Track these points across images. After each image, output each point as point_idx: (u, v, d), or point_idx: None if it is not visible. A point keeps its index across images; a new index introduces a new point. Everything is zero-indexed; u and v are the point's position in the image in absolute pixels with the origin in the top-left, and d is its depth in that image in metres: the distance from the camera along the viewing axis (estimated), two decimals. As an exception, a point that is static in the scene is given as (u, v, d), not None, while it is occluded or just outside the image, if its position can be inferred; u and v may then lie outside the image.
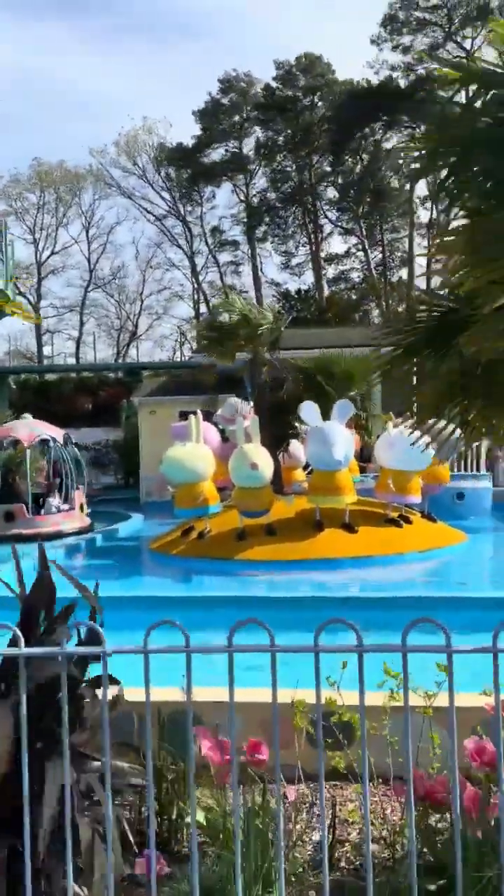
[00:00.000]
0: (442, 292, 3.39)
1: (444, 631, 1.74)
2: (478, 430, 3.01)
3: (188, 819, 2.93)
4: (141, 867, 2.29)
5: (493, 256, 2.53)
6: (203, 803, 3.14)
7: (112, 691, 3.16)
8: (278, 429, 11.82)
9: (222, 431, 12.10)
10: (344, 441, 9.83)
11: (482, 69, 2.84)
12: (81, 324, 46.38)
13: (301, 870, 2.83)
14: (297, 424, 12.26)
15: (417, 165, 2.80)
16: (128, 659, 1.93)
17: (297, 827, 3.09)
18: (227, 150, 43.31)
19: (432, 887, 2.53)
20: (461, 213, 2.86)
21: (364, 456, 14.15)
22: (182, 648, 1.78)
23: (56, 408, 23.09)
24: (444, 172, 2.69)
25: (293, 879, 2.81)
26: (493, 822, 2.45)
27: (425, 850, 2.75)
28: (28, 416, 15.06)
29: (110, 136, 64.16)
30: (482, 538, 12.69)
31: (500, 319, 2.51)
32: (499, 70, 2.75)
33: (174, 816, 3.12)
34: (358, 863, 2.95)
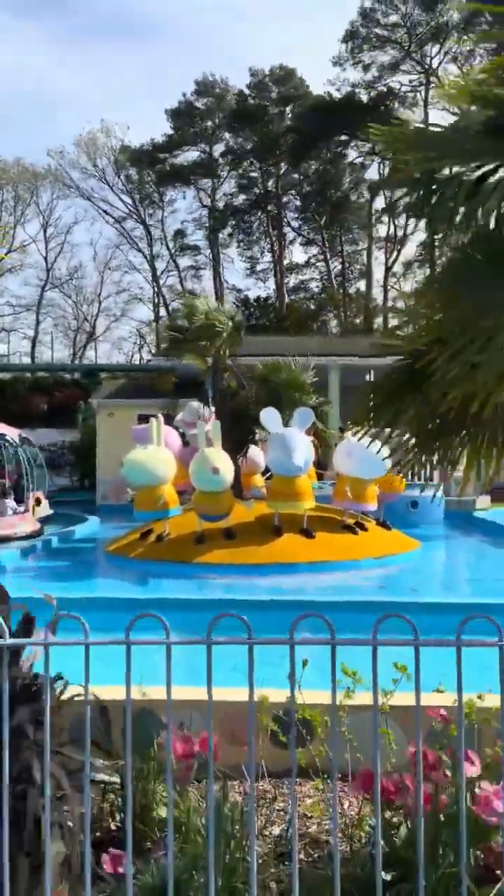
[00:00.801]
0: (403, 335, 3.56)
1: (411, 626, 1.85)
2: (453, 464, 3.19)
3: (153, 814, 2.98)
4: (106, 863, 2.33)
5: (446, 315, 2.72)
6: (165, 798, 3.20)
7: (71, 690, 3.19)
8: (238, 434, 11.90)
9: (183, 435, 12.14)
10: (304, 448, 9.97)
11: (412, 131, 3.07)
12: (38, 323, 45.82)
13: (261, 861, 2.90)
14: (256, 430, 12.37)
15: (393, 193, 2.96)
16: (100, 655, 1.98)
17: (258, 822, 3.16)
18: (201, 153, 43.43)
19: (388, 878, 2.64)
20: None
21: (321, 464, 14.35)
22: (163, 641, 1.84)
23: (10, 407, 22.78)
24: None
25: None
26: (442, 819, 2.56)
27: (382, 842, 2.85)
28: None
29: (67, 136, 63.83)
30: (434, 546, 13.00)
31: (453, 367, 2.66)
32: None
33: (137, 811, 3.16)
34: (316, 855, 3.04)
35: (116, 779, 3.14)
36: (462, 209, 2.83)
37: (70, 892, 2.18)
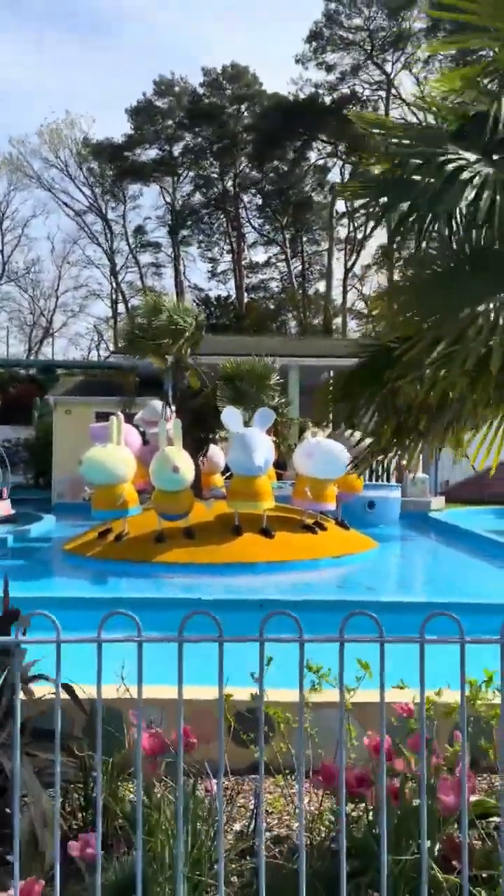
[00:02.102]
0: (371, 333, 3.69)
1: (376, 622, 1.91)
2: (411, 452, 3.29)
3: (116, 809, 2.99)
4: (74, 849, 2.36)
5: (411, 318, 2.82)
6: (129, 796, 3.21)
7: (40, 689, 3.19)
8: (199, 433, 11.91)
9: (143, 434, 12.09)
10: (264, 447, 10.03)
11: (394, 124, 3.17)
12: (-8, 317, 44.99)
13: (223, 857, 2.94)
14: (217, 430, 12.40)
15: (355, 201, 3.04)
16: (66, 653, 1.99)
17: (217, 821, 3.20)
18: (160, 150, 43.19)
19: (348, 869, 2.70)
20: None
21: (280, 463, 14.46)
22: (134, 638, 1.87)
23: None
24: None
25: (215, 865, 2.93)
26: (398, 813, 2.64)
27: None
28: None
29: (22, 126, 62.78)
30: (391, 546, 13.22)
31: (416, 367, 2.76)
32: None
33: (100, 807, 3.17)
34: (277, 850, 3.09)
35: (79, 776, 3.15)
36: (431, 207, 2.92)
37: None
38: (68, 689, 2.97)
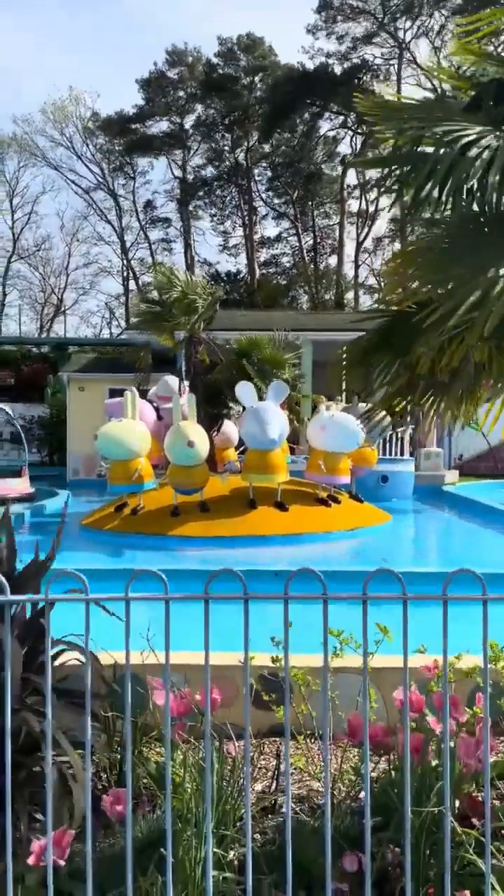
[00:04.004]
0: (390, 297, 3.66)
1: (399, 580, 1.93)
2: (426, 417, 3.29)
3: (139, 771, 3.06)
4: (108, 805, 2.42)
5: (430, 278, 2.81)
6: (153, 757, 3.28)
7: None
8: (212, 408, 11.93)
9: (157, 409, 12.12)
10: (278, 421, 10.04)
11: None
12: (3, 295, 44.97)
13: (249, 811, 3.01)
14: (230, 404, 12.41)
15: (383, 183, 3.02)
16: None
17: (241, 781, 3.27)
18: (171, 123, 42.71)
19: (370, 824, 2.76)
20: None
21: (293, 437, 14.48)
22: (162, 596, 1.90)
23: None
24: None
25: (238, 824, 3.00)
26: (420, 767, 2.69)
27: (362, 793, 2.98)
28: None
29: (30, 105, 62.19)
30: (404, 519, 13.24)
31: (434, 332, 2.75)
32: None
33: (131, 764, 3.24)
34: (298, 808, 3.15)
35: (103, 739, 3.22)
36: (446, 179, 2.90)
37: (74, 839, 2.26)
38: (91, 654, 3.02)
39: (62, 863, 2.15)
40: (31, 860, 2.10)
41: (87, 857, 1.93)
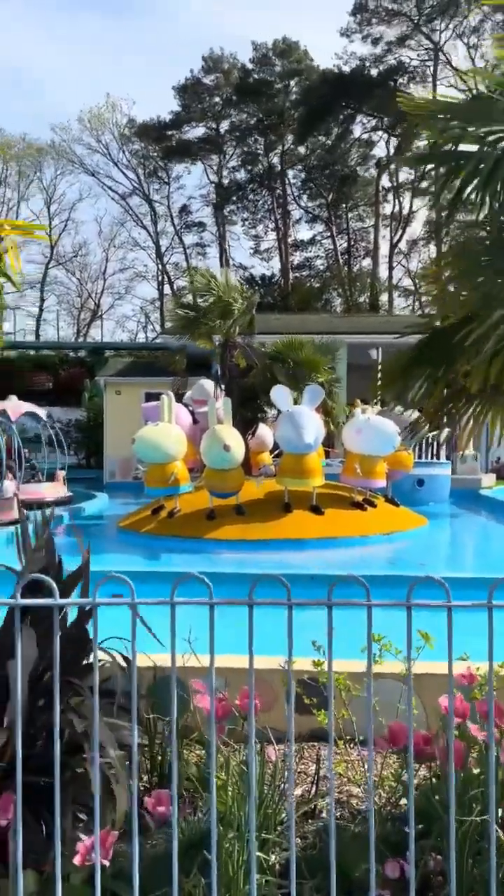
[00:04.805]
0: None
1: (445, 588, 1.92)
2: (465, 429, 3.27)
3: (183, 771, 3.08)
4: (150, 806, 2.45)
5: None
6: (193, 759, 3.31)
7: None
8: (248, 412, 11.96)
9: (192, 413, 12.20)
10: (314, 425, 10.02)
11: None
12: (42, 301, 45.70)
13: (285, 816, 3.02)
14: (265, 408, 12.44)
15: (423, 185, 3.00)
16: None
17: (281, 783, 3.28)
18: (206, 128, 43.04)
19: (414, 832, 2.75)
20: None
21: (328, 441, 14.44)
22: (206, 601, 1.93)
23: (15, 385, 22.83)
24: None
25: (279, 828, 3.00)
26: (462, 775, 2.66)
27: (404, 800, 2.97)
28: (13, 398, 15.25)
29: (66, 113, 63.08)
30: (441, 523, 13.11)
31: (475, 348, 2.72)
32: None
33: (166, 771, 3.27)
34: (338, 814, 3.15)
35: (144, 740, 3.25)
36: (489, 178, 2.88)
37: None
38: (127, 658, 3.06)
39: (107, 863, 2.18)
40: (76, 860, 2.14)
41: (133, 857, 1.96)
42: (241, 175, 44.50)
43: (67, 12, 58.42)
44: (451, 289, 3.12)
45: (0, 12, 53.66)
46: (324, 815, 3.18)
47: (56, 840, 1.97)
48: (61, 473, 15.57)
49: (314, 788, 3.21)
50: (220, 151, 43.61)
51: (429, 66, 39.62)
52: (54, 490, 14.80)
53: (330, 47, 60.75)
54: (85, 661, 2.88)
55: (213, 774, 2.02)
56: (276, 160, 43.47)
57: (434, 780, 2.86)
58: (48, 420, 16.47)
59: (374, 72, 39.83)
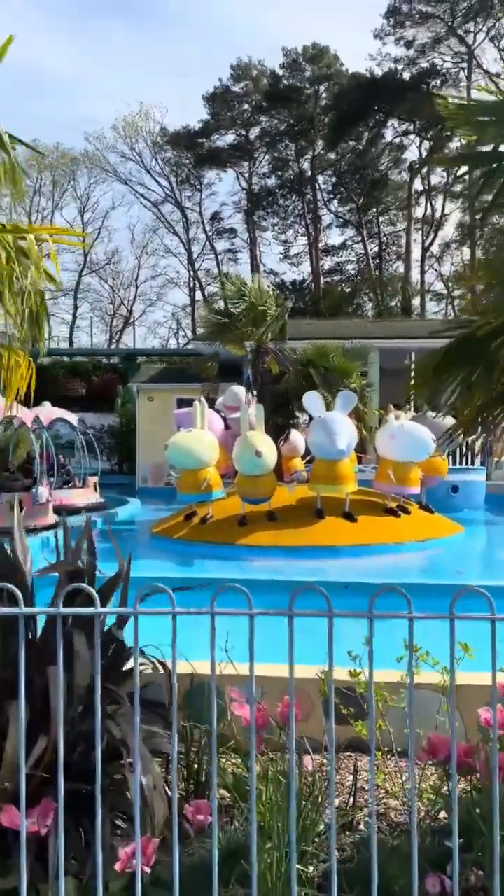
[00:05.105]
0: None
1: (488, 600, 1.90)
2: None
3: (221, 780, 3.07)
4: (189, 815, 2.45)
5: None
6: (230, 767, 3.30)
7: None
8: (279, 418, 11.96)
9: (223, 419, 12.24)
10: (347, 431, 9.98)
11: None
12: (75, 308, 46.29)
13: (326, 830, 2.99)
14: (297, 414, 12.42)
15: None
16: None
17: (319, 794, 3.25)
18: (236, 135, 43.28)
19: (451, 845, 2.70)
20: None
21: (360, 446, 14.36)
22: (246, 612, 1.92)
23: (49, 391, 23.12)
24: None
25: (316, 840, 2.98)
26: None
27: (443, 813, 2.93)
28: (47, 404, 15.46)
29: (95, 121, 63.91)
30: (476, 530, 12.94)
31: None
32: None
33: (202, 779, 3.27)
34: (376, 826, 3.11)
35: (181, 748, 3.25)
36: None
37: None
38: (165, 665, 3.07)
39: (147, 870, 2.19)
40: (118, 866, 2.15)
41: (173, 865, 1.96)
42: (272, 181, 44.63)
43: (98, 22, 59.25)
44: (491, 294, 3.09)
45: (37, 23, 54.69)
46: (361, 827, 3.15)
47: (97, 847, 1.98)
48: (93, 479, 15.71)
49: (351, 799, 3.18)
50: (250, 158, 43.77)
51: (463, 69, 39.33)
52: (87, 496, 14.93)
53: (360, 50, 60.62)
54: (124, 668, 2.90)
55: (254, 786, 2.01)
56: (306, 165, 43.50)
57: (475, 793, 2.81)
58: (80, 426, 16.66)
59: (406, 75, 39.66)
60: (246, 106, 42.95)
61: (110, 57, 60.36)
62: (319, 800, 3.20)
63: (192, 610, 1.99)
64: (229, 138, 43.69)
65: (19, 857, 1.96)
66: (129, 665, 2.98)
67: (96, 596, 1.95)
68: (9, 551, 2.87)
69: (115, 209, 50.49)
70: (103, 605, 2.61)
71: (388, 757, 3.43)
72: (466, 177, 3.40)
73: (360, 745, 3.51)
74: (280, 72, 42.23)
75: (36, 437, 14.51)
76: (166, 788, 2.82)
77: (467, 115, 3.25)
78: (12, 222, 4.17)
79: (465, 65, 39.04)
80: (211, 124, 43.05)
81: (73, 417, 16.28)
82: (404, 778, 3.36)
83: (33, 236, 3.84)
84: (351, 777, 3.33)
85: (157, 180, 45.12)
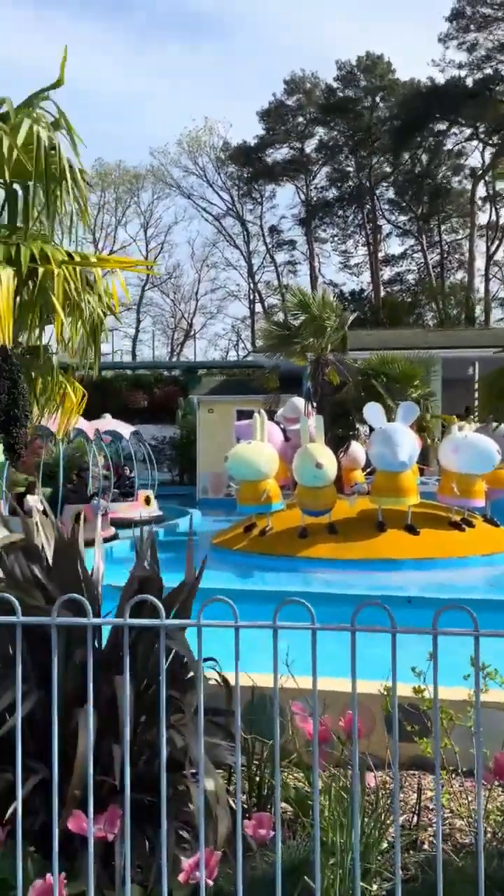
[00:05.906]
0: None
1: None
2: None
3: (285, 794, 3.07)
4: (248, 827, 2.45)
5: None
6: (291, 781, 3.29)
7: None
8: (339, 429, 11.90)
9: (283, 431, 12.26)
10: (409, 442, 9.86)
11: None
12: (138, 322, 47.16)
13: (388, 849, 2.95)
14: (357, 425, 12.34)
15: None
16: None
17: (382, 812, 3.21)
18: (290, 148, 43.54)
19: (519, 871, 2.63)
20: None
21: (422, 458, 14.14)
22: (309, 626, 1.93)
23: (112, 404, 23.58)
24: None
25: (379, 858, 2.94)
26: None
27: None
28: (107, 416, 15.80)
29: (161, 138, 65.19)
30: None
31: None
32: None
33: (264, 792, 3.27)
34: (442, 846, 3.05)
35: (243, 761, 3.26)
36: None
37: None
38: (224, 678, 3.08)
39: (210, 882, 2.20)
40: (181, 877, 2.17)
41: (237, 878, 1.97)
42: (331, 192, 44.64)
43: (155, 43, 60.53)
44: None
45: (98, 46, 56.35)
46: (426, 846, 3.09)
47: (162, 856, 2.01)
48: (145, 493, 15.89)
49: (415, 818, 3.13)
50: (306, 171, 43.91)
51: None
52: (145, 508, 15.09)
53: (421, 57, 60.26)
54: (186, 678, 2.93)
55: (317, 800, 2.01)
56: (364, 176, 43.35)
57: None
58: (135, 437, 16.89)
59: (469, 81, 39.13)
60: (301, 119, 43.16)
61: (169, 77, 61.66)
62: (382, 817, 3.16)
63: (255, 623, 2.00)
64: (284, 152, 43.97)
65: (86, 863, 2.01)
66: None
67: (161, 608, 1.98)
68: (79, 566, 2.94)
69: (177, 224, 51.31)
70: (167, 615, 2.65)
71: (454, 776, 3.36)
72: None
73: (423, 762, 3.45)
74: (334, 84, 42.30)
75: (98, 449, 14.83)
76: (230, 800, 2.84)
77: None
78: (80, 253, 4.31)
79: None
80: (266, 139, 43.39)
81: (126, 430, 16.48)
82: (470, 798, 3.29)
83: (99, 270, 3.95)
84: (414, 795, 3.28)
85: (219, 194, 45.75)
